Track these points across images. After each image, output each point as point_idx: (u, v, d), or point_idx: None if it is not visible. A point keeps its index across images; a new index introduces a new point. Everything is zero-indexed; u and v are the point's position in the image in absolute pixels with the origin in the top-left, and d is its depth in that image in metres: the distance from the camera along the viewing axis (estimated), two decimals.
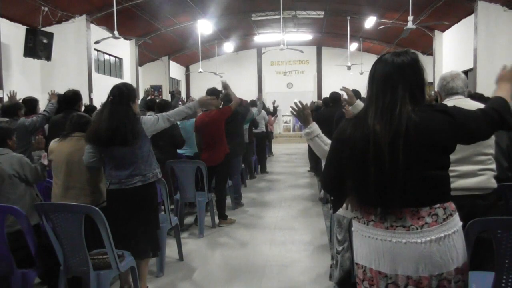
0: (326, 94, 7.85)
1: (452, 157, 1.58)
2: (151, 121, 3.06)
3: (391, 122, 1.47)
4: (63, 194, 3.04)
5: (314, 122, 2.28)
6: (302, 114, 2.27)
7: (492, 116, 1.59)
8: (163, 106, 4.90)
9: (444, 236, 1.47)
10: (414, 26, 8.96)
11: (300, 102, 2.42)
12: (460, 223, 1.55)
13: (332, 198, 1.71)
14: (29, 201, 2.92)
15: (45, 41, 9.63)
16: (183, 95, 19.46)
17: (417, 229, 1.48)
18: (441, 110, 1.53)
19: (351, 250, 2.46)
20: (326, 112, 6.34)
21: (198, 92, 5.14)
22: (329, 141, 2.42)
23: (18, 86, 9.10)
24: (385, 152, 1.46)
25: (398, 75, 1.53)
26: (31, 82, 10.19)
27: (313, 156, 8.22)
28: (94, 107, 5.84)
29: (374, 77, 1.59)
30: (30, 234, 2.65)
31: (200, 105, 3.61)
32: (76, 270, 2.64)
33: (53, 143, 3.19)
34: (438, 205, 1.50)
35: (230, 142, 5.28)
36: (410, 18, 8.83)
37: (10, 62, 9.26)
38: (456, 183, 2.26)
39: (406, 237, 1.48)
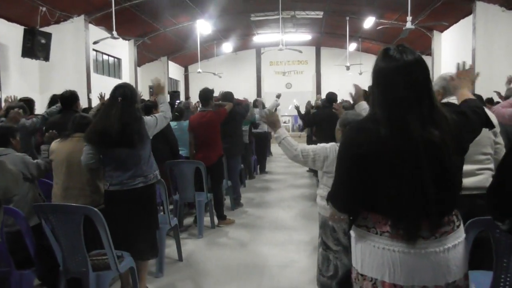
0: (324, 94, 7.85)
1: None
2: (151, 122, 3.07)
3: (441, 124, 1.39)
4: (63, 194, 3.04)
5: (282, 127, 2.53)
6: (270, 120, 2.53)
7: (481, 116, 1.59)
8: (150, 107, 4.84)
9: (458, 243, 1.45)
10: (413, 27, 8.97)
11: (268, 110, 2.67)
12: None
13: (351, 217, 1.57)
14: (31, 201, 2.92)
15: (43, 41, 9.60)
16: (182, 95, 19.44)
17: (436, 238, 1.42)
18: (461, 111, 1.52)
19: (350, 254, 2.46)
20: (322, 113, 6.33)
21: (197, 92, 5.12)
22: (294, 143, 2.53)
23: (16, 87, 9.10)
24: (443, 157, 1.38)
25: (421, 71, 1.43)
26: (29, 82, 10.17)
27: None
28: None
29: (389, 76, 1.44)
30: (29, 235, 2.65)
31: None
32: (75, 271, 2.63)
33: (54, 143, 3.18)
34: (454, 212, 1.47)
35: (228, 142, 5.27)
36: (409, 18, 8.83)
37: (8, 62, 9.23)
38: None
39: (424, 247, 1.42)
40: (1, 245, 2.52)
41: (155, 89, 3.50)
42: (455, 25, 12.62)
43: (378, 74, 1.47)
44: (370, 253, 1.49)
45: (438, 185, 1.40)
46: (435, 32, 14.07)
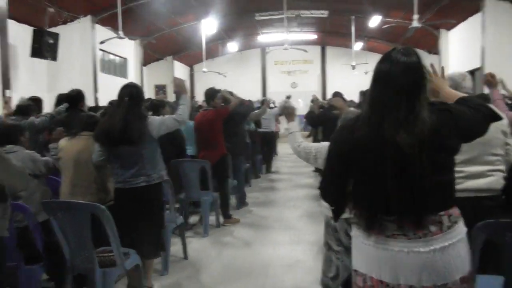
0: (330, 93, 7.85)
1: (460, 157, 1.55)
2: (157, 121, 3.08)
3: (414, 129, 1.40)
4: (70, 191, 3.09)
5: (295, 122, 2.63)
6: (287, 112, 2.67)
7: (483, 111, 1.55)
8: (158, 106, 4.88)
9: (448, 245, 1.43)
10: (419, 25, 8.91)
11: (285, 101, 2.78)
12: (465, 230, 1.50)
13: (333, 207, 1.65)
14: (39, 197, 2.96)
15: (51, 41, 9.68)
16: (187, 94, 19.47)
17: (420, 237, 1.43)
18: (445, 109, 1.50)
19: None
20: (328, 112, 6.32)
21: (202, 91, 5.17)
22: (300, 139, 2.60)
23: (25, 86, 9.19)
24: (411, 162, 1.39)
25: (410, 76, 1.46)
26: (38, 82, 10.27)
27: None
28: (99, 107, 5.87)
29: (381, 78, 1.50)
30: (37, 230, 2.70)
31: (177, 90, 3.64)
32: (82, 267, 2.67)
33: (63, 142, 3.24)
34: (442, 212, 1.45)
35: (229, 141, 5.28)
36: (415, 17, 8.78)
37: (17, 62, 9.32)
38: (464, 184, 2.23)
39: (408, 246, 1.43)
40: (10, 240, 2.55)
41: (178, 89, 3.54)
42: (463, 23, 12.48)
43: (373, 75, 1.55)
44: (360, 249, 1.56)
45: (403, 185, 1.42)
46: (442, 30, 13.95)
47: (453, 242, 1.44)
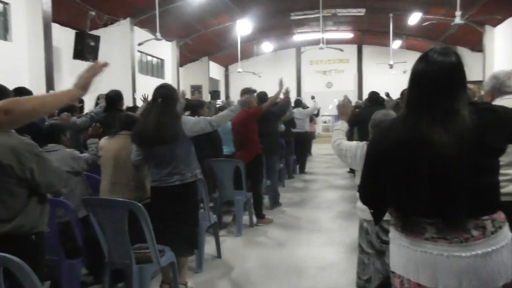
0: (366, 93, 7.68)
1: (504, 159, 1.49)
2: (191, 122, 3.12)
3: (455, 129, 1.36)
4: (110, 189, 3.19)
5: (343, 121, 2.69)
6: (342, 110, 2.72)
7: None
8: (197, 106, 4.94)
9: (491, 251, 1.37)
10: (462, 21, 8.56)
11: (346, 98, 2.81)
12: (510, 235, 1.44)
13: (372, 210, 1.62)
14: (80, 194, 3.08)
15: (92, 43, 10.08)
16: (222, 95, 19.71)
17: (461, 242, 1.38)
18: (487, 108, 1.45)
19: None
20: (364, 112, 6.19)
21: (237, 91, 5.21)
22: (339, 136, 2.62)
23: (68, 87, 9.60)
24: (449, 162, 1.35)
25: (450, 76, 1.43)
26: None
27: None
28: (137, 107, 6.02)
29: (418, 78, 1.48)
30: (78, 226, 2.80)
31: (241, 105, 3.82)
32: (119, 262, 2.74)
33: (103, 141, 3.35)
34: (486, 217, 1.39)
35: (262, 141, 5.27)
36: (458, 13, 8.44)
37: (61, 64, 9.76)
38: (508, 188, 2.13)
39: (448, 250, 1.39)
40: (52, 235, 2.66)
41: (243, 101, 3.85)
42: (510, 18, 11.86)
43: (410, 75, 1.53)
44: (398, 251, 1.53)
45: (441, 186, 1.37)
46: (487, 26, 13.32)
47: (497, 248, 1.38)
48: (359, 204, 2.62)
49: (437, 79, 1.43)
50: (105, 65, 1.68)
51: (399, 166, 1.45)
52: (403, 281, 1.50)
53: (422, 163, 1.39)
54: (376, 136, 1.59)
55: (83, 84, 1.59)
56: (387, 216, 1.61)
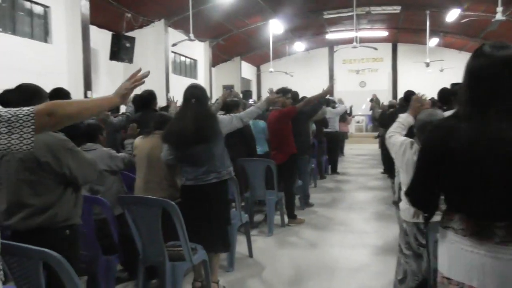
0: (401, 93, 7.49)
1: None
2: (226, 120, 3.17)
3: (508, 126, 1.32)
4: (144, 187, 3.27)
5: (410, 116, 2.65)
6: (415, 106, 2.65)
7: None
8: (232, 106, 4.97)
9: None
10: (503, 18, 8.18)
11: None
12: None
13: (426, 214, 1.57)
14: (116, 192, 3.16)
15: (127, 45, 10.38)
16: (254, 95, 19.76)
17: None
18: None
19: (428, 259, 2.34)
20: (400, 111, 6.01)
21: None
22: (395, 130, 2.61)
23: (104, 87, 9.93)
24: (495, 160, 1.31)
25: (509, 69, 1.39)
26: (116, 83, 10.83)
27: (387, 158, 7.86)
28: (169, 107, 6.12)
29: (478, 75, 1.42)
30: (114, 223, 2.87)
31: (268, 103, 3.81)
32: (153, 259, 2.79)
33: (138, 140, 3.43)
34: None
35: (294, 141, 5.22)
36: (499, 9, 8.07)
37: (98, 65, 10.10)
38: None
39: None
40: (90, 232, 2.75)
41: (270, 100, 3.81)
42: None
43: (466, 71, 1.47)
44: (457, 256, 1.43)
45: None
46: None
47: None
48: (402, 204, 2.58)
49: (498, 73, 1.38)
50: (145, 75, 1.72)
51: (468, 167, 1.38)
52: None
53: (491, 163, 1.33)
54: (435, 136, 1.49)
55: (124, 94, 1.64)
56: (421, 219, 1.56)
